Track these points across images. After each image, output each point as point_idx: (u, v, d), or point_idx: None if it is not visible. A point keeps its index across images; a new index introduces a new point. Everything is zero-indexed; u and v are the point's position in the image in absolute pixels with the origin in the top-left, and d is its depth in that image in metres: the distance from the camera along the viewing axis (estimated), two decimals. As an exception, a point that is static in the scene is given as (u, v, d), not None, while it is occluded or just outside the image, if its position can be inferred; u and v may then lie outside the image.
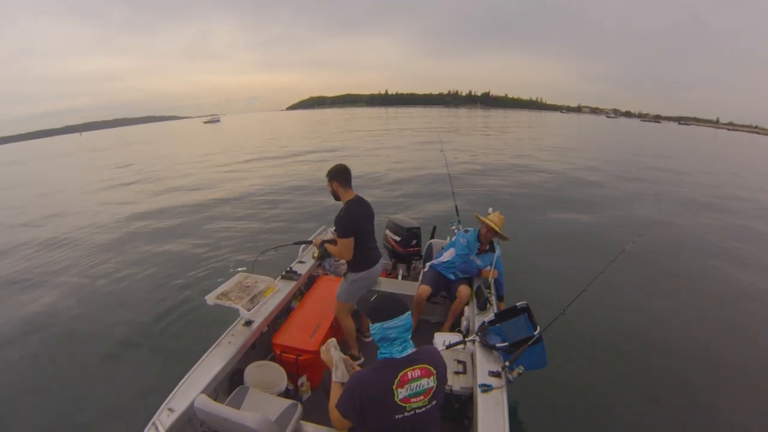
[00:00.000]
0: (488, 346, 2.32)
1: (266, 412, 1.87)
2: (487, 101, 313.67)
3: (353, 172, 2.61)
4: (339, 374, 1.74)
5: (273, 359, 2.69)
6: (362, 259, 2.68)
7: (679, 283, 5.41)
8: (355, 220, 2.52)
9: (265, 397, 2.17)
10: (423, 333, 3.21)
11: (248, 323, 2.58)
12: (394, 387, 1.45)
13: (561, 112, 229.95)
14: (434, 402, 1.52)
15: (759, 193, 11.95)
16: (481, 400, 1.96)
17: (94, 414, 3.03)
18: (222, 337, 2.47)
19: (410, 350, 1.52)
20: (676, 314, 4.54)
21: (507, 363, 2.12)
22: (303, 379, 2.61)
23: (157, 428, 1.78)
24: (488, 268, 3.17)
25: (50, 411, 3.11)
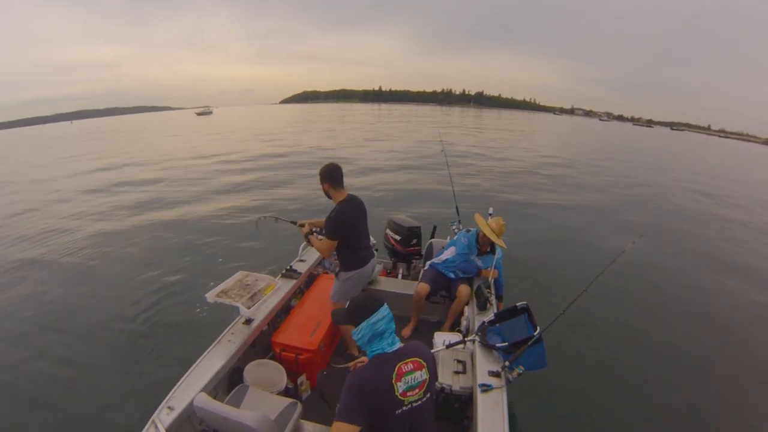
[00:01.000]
0: (488, 346, 2.32)
1: (266, 411, 1.87)
2: (481, 101, 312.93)
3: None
4: None
5: (273, 358, 2.69)
6: (353, 258, 2.68)
7: (679, 283, 5.41)
8: (345, 222, 2.51)
9: (264, 395, 2.17)
10: (423, 333, 3.20)
11: (248, 322, 2.58)
12: (393, 381, 1.46)
13: (554, 113, 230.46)
14: (428, 394, 1.54)
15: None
16: (481, 400, 1.96)
17: (94, 412, 3.03)
18: (222, 335, 2.47)
19: (399, 344, 1.55)
20: (676, 314, 4.55)
21: (507, 363, 2.12)
22: (303, 378, 2.61)
23: (156, 426, 1.77)
24: (488, 268, 3.17)
25: (50, 410, 3.11)
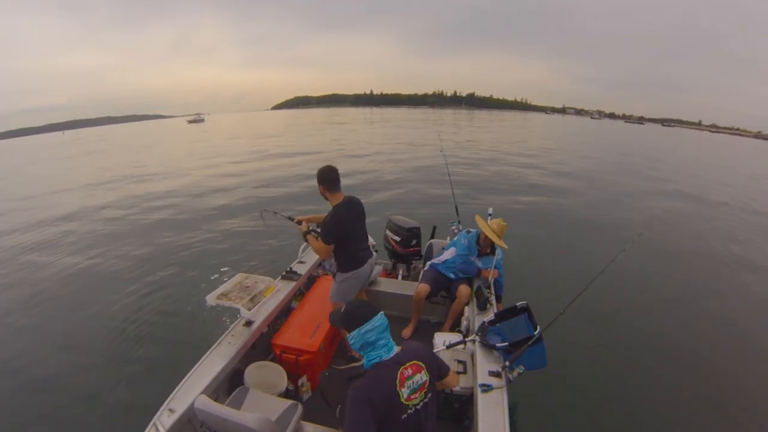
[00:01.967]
0: (488, 346, 2.31)
1: (266, 413, 1.87)
2: (472, 102, 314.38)
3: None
4: None
5: (273, 359, 2.69)
6: (350, 259, 2.68)
7: (680, 281, 5.41)
8: (340, 227, 2.52)
9: (265, 397, 2.17)
10: (423, 333, 3.21)
11: (248, 323, 2.58)
12: (397, 388, 1.46)
13: (546, 113, 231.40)
14: (430, 395, 1.54)
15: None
16: (481, 400, 1.96)
17: (95, 414, 3.03)
18: (222, 337, 2.47)
19: (395, 349, 1.55)
20: (677, 313, 4.54)
21: (507, 363, 2.12)
22: (303, 380, 2.61)
23: (157, 429, 1.78)
24: (489, 268, 3.17)
25: (50, 412, 3.11)
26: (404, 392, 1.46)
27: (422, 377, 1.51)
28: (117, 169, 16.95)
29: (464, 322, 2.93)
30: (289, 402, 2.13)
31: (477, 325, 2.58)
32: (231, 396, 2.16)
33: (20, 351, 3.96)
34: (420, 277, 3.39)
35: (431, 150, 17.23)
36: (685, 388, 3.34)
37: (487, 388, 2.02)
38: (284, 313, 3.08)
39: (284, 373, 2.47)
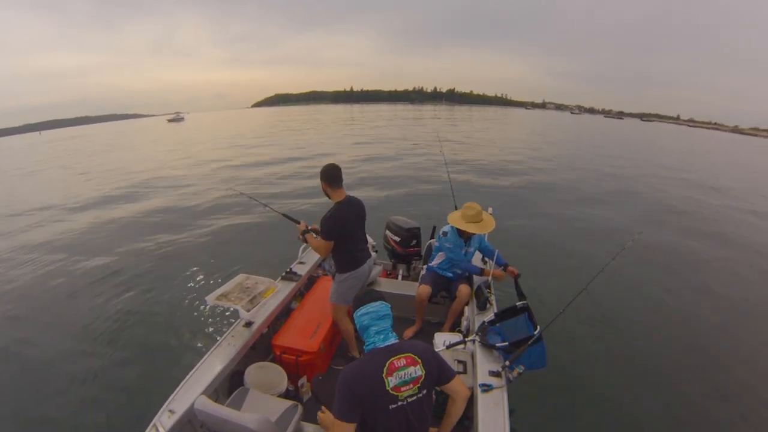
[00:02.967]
0: (488, 346, 2.32)
1: (266, 413, 1.87)
2: (453, 98, 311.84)
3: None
4: None
5: (273, 360, 2.69)
6: (348, 259, 2.68)
7: (679, 281, 5.41)
8: (341, 224, 2.53)
9: (265, 398, 2.17)
10: (424, 333, 3.21)
11: (248, 324, 2.58)
12: (383, 375, 1.48)
13: (526, 108, 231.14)
14: (424, 391, 1.54)
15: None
16: (482, 400, 1.96)
17: (95, 416, 3.03)
18: (222, 338, 2.47)
19: (393, 340, 1.59)
20: (677, 312, 4.54)
21: (507, 363, 2.12)
22: (303, 380, 2.61)
23: (157, 430, 1.78)
24: (488, 265, 3.15)
25: (50, 412, 3.11)
26: (391, 381, 1.48)
27: (416, 371, 1.52)
28: (123, 167, 16.96)
29: (464, 322, 2.93)
30: (289, 403, 2.13)
31: (477, 324, 2.58)
32: (231, 397, 2.16)
33: (20, 350, 3.97)
34: (420, 278, 3.39)
35: (429, 149, 17.25)
36: (686, 387, 3.34)
37: (487, 387, 2.02)
38: (284, 313, 3.08)
39: (284, 374, 2.47)
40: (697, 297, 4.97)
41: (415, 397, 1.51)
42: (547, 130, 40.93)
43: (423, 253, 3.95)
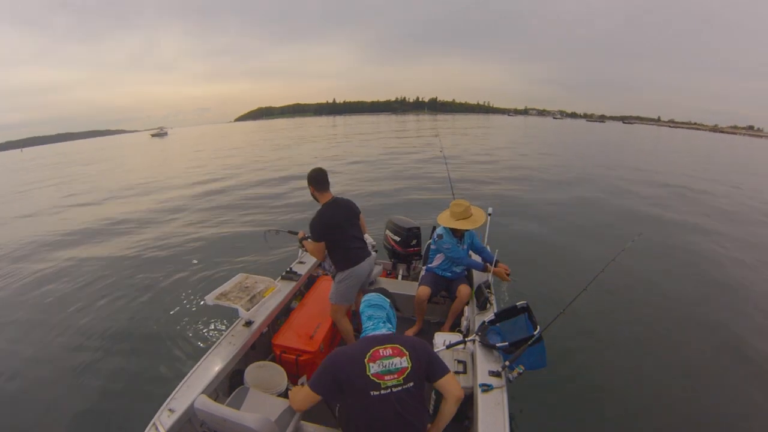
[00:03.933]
0: (488, 346, 2.31)
1: (266, 413, 1.87)
2: (435, 107, 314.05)
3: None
4: None
5: (273, 360, 2.69)
6: (344, 258, 2.70)
7: (679, 280, 5.40)
8: (328, 223, 2.59)
9: (265, 397, 2.17)
10: (424, 333, 3.22)
11: (248, 324, 2.58)
12: (365, 360, 1.52)
13: (508, 114, 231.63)
14: (411, 383, 1.54)
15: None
16: (482, 400, 1.96)
17: (95, 415, 3.03)
18: (222, 337, 2.47)
19: (384, 330, 1.66)
20: (677, 312, 4.53)
21: (507, 363, 2.12)
22: (303, 380, 2.61)
23: (157, 429, 1.78)
24: (489, 263, 3.14)
25: (50, 413, 3.11)
26: (373, 367, 1.52)
27: (402, 362, 1.54)
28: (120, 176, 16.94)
29: (464, 322, 2.93)
30: (289, 402, 2.12)
31: (477, 324, 2.58)
32: (231, 396, 2.15)
33: (21, 349, 3.97)
34: (420, 279, 3.39)
35: (429, 152, 17.24)
36: (686, 386, 3.33)
37: (487, 388, 2.02)
38: (284, 313, 3.08)
39: (284, 373, 2.46)
40: (698, 297, 4.95)
41: (400, 388, 1.52)
42: (530, 133, 40.62)
43: (423, 253, 3.95)
